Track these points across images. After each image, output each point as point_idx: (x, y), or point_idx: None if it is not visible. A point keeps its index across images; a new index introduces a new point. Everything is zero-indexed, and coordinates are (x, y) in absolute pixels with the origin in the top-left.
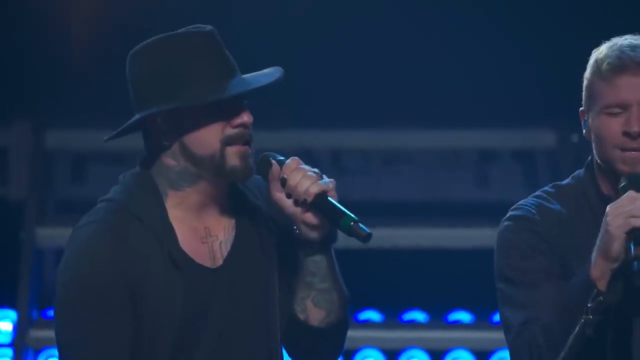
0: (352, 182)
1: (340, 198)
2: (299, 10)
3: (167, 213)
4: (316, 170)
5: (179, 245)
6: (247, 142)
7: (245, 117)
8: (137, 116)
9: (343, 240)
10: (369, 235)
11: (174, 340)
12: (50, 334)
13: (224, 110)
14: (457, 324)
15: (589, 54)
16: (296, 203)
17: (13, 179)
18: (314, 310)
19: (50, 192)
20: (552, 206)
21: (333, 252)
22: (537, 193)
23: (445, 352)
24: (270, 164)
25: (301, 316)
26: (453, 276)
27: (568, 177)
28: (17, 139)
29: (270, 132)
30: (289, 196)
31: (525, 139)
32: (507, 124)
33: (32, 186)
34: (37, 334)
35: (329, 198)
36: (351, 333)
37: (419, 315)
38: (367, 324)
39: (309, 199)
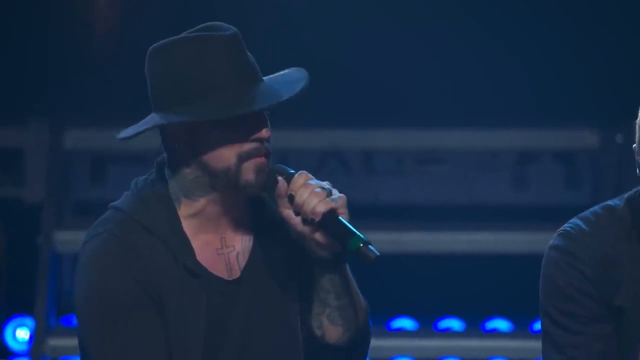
0: (383, 183)
1: (371, 200)
2: (328, 7)
3: (180, 223)
4: (326, 184)
5: (194, 256)
6: (264, 155)
7: (264, 133)
8: (152, 121)
9: (374, 245)
10: (378, 259)
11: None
12: (68, 342)
13: (242, 124)
14: (495, 333)
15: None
16: (304, 222)
17: (29, 181)
18: (330, 327)
19: (68, 194)
20: (601, 238)
21: (348, 269)
22: (586, 215)
23: None
24: (277, 181)
25: (318, 332)
26: (490, 283)
27: (611, 180)
28: (34, 139)
29: (298, 131)
30: (297, 214)
31: (567, 139)
32: (548, 123)
33: (50, 188)
34: (55, 342)
35: (339, 217)
36: (384, 342)
37: (455, 323)
38: (401, 332)
39: (317, 219)
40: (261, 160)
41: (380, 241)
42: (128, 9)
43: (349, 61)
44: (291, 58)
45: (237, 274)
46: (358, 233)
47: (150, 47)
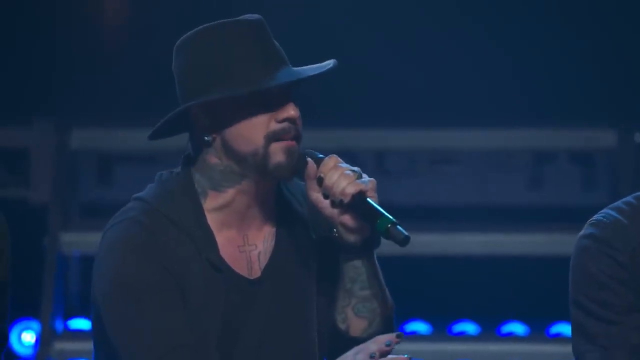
0: (396, 184)
1: (384, 201)
2: (339, 7)
3: (205, 217)
4: (356, 168)
5: (218, 251)
6: (294, 138)
7: (292, 111)
8: (174, 111)
9: (387, 247)
10: (407, 239)
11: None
12: (75, 345)
13: (268, 103)
14: (510, 337)
15: None
16: (333, 204)
17: (35, 182)
18: (354, 320)
19: (74, 195)
20: (636, 227)
21: (375, 258)
22: (618, 205)
23: None
24: (306, 162)
25: (342, 326)
26: (505, 285)
27: (629, 181)
28: (40, 139)
29: (308, 131)
30: (326, 197)
31: (583, 139)
32: (564, 122)
33: (56, 189)
34: (61, 346)
35: (367, 199)
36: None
37: (469, 327)
38: (414, 336)
39: (346, 200)
40: (291, 143)
41: (393, 243)
42: (135, 8)
43: (360, 59)
44: (302, 56)
45: (257, 273)
46: (386, 214)
47: (178, 41)
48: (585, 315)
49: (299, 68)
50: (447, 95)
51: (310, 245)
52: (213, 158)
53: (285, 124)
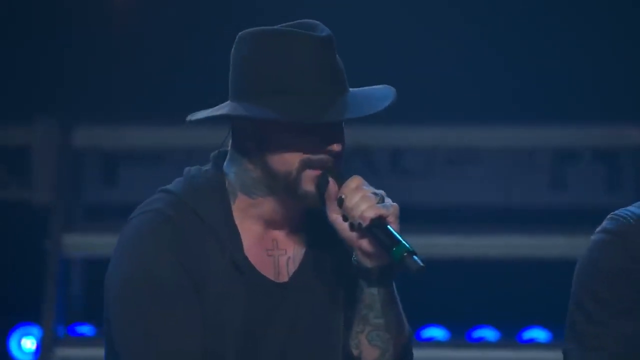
0: (413, 184)
1: (400, 202)
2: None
3: (233, 217)
4: (380, 192)
5: (243, 251)
6: (330, 169)
7: (335, 147)
8: (226, 109)
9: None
10: (422, 269)
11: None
12: (77, 352)
13: (315, 133)
14: (532, 343)
15: None
16: (352, 227)
17: (37, 182)
18: (367, 348)
19: (78, 196)
20: None
21: (394, 287)
22: None
23: None
24: (328, 181)
25: (355, 352)
26: (526, 289)
27: None
28: (42, 138)
29: None
30: (345, 219)
31: (608, 137)
32: (588, 119)
33: (59, 189)
34: (63, 352)
35: (387, 226)
36: (413, 353)
37: (488, 333)
38: (431, 342)
39: (364, 224)
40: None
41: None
42: (140, 4)
43: (376, 53)
44: None
45: (285, 278)
46: (404, 242)
47: (242, 32)
48: (584, 318)
49: (357, 93)
50: (466, 91)
51: (342, 257)
52: (248, 164)
53: (325, 156)
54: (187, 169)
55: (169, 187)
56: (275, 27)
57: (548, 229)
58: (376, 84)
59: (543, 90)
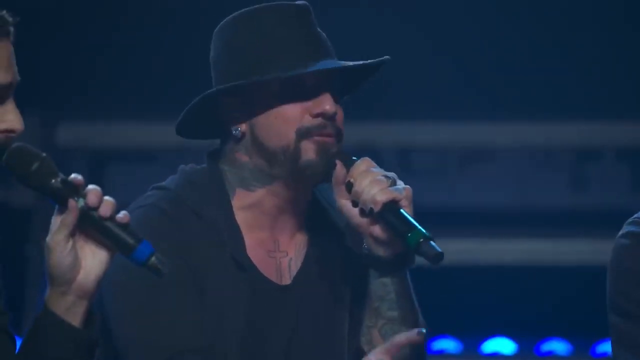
0: (422, 184)
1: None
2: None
3: (234, 214)
4: (391, 174)
5: (245, 248)
6: (329, 135)
7: (327, 105)
8: (200, 96)
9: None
10: (440, 256)
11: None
12: None
13: (302, 94)
14: (551, 356)
15: None
16: (362, 213)
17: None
18: (381, 343)
19: None
20: None
21: (407, 276)
22: None
23: None
24: (334, 164)
25: (366, 348)
26: (545, 298)
27: None
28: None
29: None
30: (355, 204)
31: (632, 134)
32: (610, 115)
33: None
34: None
35: (400, 210)
36: None
37: (504, 345)
38: (443, 355)
39: (376, 209)
40: (325, 139)
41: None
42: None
43: (384, 46)
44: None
45: (287, 280)
46: (420, 227)
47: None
48: (625, 320)
49: (350, 63)
50: (480, 86)
51: (344, 257)
52: (243, 156)
53: (319, 120)
54: (181, 166)
55: (162, 183)
56: (248, 8)
57: (568, 233)
58: (386, 80)
59: (561, 84)
